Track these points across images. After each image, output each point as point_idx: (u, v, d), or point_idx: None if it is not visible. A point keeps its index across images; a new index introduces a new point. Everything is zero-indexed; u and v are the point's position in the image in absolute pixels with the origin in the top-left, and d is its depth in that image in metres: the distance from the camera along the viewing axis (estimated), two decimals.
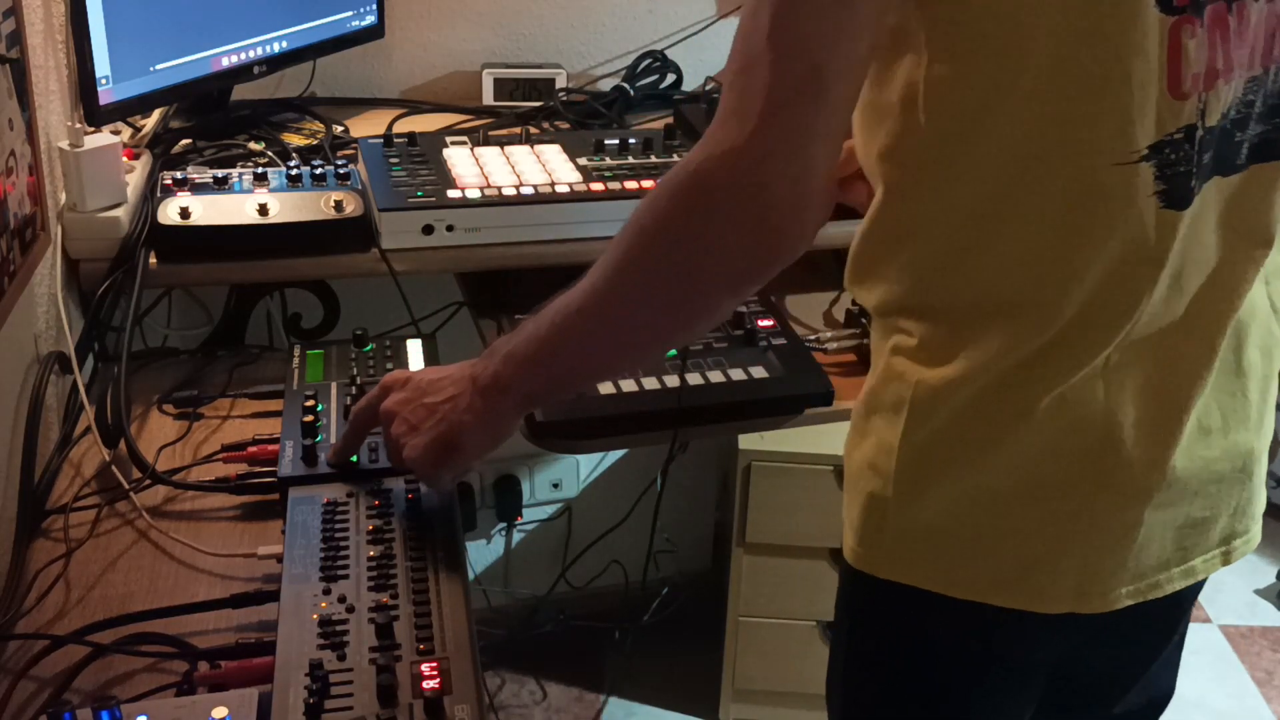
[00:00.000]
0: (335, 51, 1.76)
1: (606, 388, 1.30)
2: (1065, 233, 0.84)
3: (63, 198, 1.38)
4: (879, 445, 0.94)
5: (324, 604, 0.93)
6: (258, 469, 1.17)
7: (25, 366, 1.25)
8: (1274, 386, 0.99)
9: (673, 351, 1.37)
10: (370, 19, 1.78)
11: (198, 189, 1.43)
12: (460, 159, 1.52)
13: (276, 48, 1.66)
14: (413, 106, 1.84)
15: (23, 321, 1.25)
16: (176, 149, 1.59)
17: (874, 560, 0.96)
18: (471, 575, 2.26)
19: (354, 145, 1.62)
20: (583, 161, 1.54)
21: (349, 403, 1.18)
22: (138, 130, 1.59)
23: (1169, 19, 0.80)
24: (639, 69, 1.89)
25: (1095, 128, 0.81)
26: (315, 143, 1.65)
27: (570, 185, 1.48)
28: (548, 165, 1.52)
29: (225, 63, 1.58)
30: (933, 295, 0.90)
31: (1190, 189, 0.84)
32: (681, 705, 2.21)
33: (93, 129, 1.38)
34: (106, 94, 1.40)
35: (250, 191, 1.43)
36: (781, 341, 1.40)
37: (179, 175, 1.45)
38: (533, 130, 1.67)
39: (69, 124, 1.36)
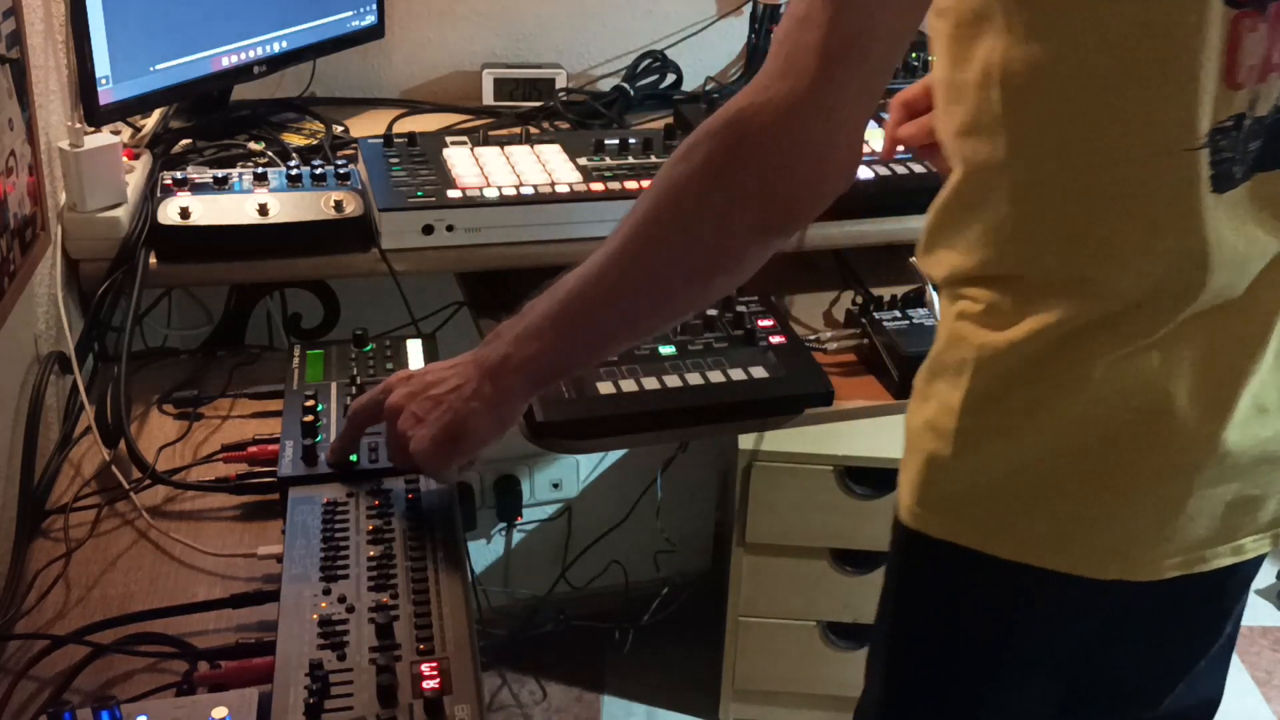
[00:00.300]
0: (335, 51, 1.76)
1: (606, 388, 1.30)
2: (1129, 213, 0.87)
3: (63, 198, 1.38)
4: (940, 406, 0.97)
5: (324, 604, 0.93)
6: (258, 469, 1.17)
7: (25, 366, 1.25)
8: None
9: (672, 349, 1.37)
10: (370, 19, 1.78)
11: (198, 189, 1.43)
12: (460, 159, 1.52)
13: (276, 48, 1.66)
14: (413, 106, 1.84)
15: (23, 321, 1.25)
16: (176, 149, 1.59)
17: (928, 520, 0.99)
18: (471, 575, 2.26)
19: (354, 145, 1.62)
20: (583, 161, 1.54)
21: (349, 403, 1.18)
22: (138, 130, 1.59)
23: (1232, 11, 0.82)
24: (639, 69, 1.89)
25: (1162, 113, 0.84)
26: (315, 143, 1.65)
27: (570, 185, 1.48)
28: (548, 165, 1.52)
29: (225, 63, 1.58)
30: (1000, 267, 0.93)
31: (1234, 175, 0.87)
32: (681, 705, 2.21)
33: (93, 129, 1.38)
34: (106, 94, 1.40)
35: (250, 191, 1.43)
36: (781, 341, 1.40)
37: (179, 175, 1.45)
38: (533, 130, 1.67)
39: (69, 124, 1.36)
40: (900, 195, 1.55)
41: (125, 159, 1.42)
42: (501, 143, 1.59)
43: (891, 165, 1.56)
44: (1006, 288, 0.93)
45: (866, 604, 1.92)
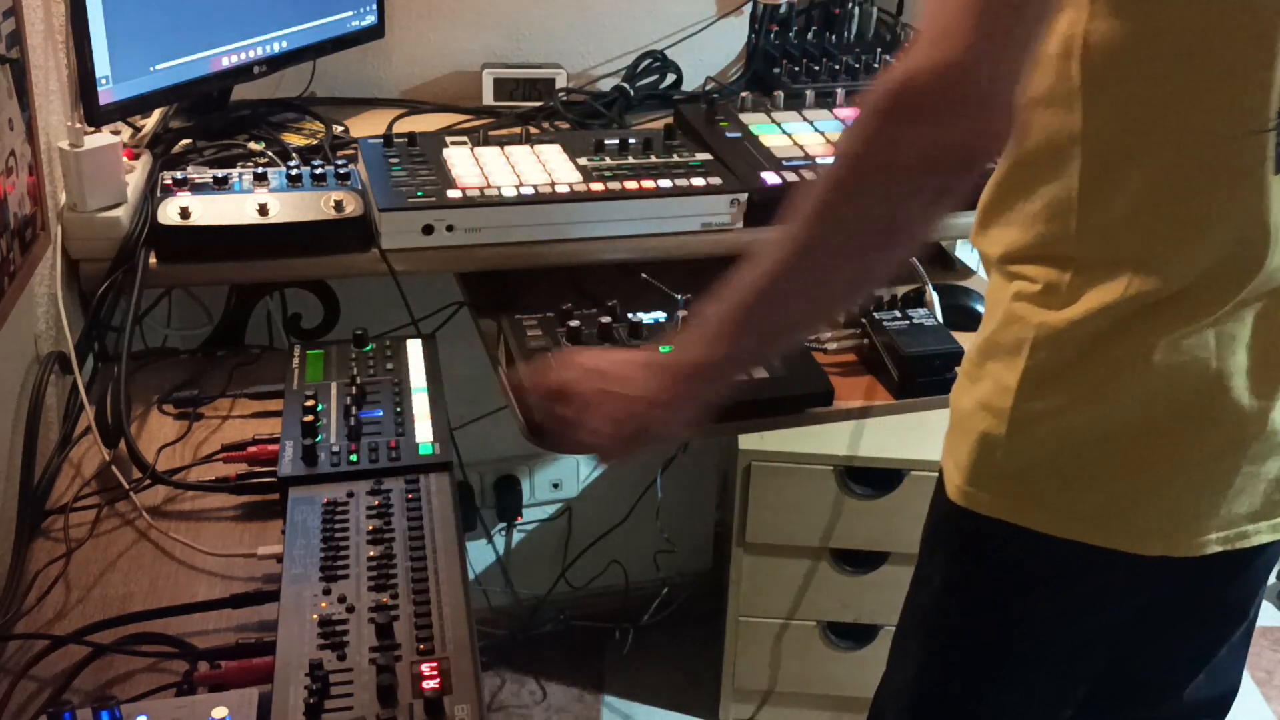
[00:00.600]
0: (335, 51, 1.76)
1: None
2: (1195, 194, 0.89)
3: (63, 198, 1.38)
4: (995, 386, 0.99)
5: (324, 604, 0.93)
6: (258, 469, 1.17)
7: (25, 366, 1.25)
8: None
9: (671, 349, 1.36)
10: (370, 19, 1.78)
11: (198, 189, 1.43)
12: (460, 159, 1.52)
13: (276, 48, 1.66)
14: (413, 106, 1.84)
15: (23, 321, 1.25)
16: (176, 149, 1.59)
17: (979, 498, 1.02)
18: (471, 575, 2.26)
19: (354, 145, 1.62)
20: (583, 161, 1.54)
21: (349, 403, 1.18)
22: (138, 130, 1.59)
23: None
24: (639, 69, 1.89)
25: (1241, 95, 0.86)
26: (315, 143, 1.65)
27: (570, 185, 1.48)
28: (548, 165, 1.52)
29: (225, 63, 1.58)
30: (1063, 245, 0.94)
31: None
32: (681, 705, 2.21)
33: (93, 129, 1.38)
34: (106, 94, 1.40)
35: (250, 191, 1.43)
36: None
37: (179, 175, 1.45)
38: (533, 130, 1.67)
39: (69, 124, 1.36)
40: None
41: (125, 159, 1.42)
42: (501, 143, 1.59)
43: None
44: (1067, 265, 0.94)
45: (866, 604, 1.92)
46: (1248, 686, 2.31)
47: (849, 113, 1.73)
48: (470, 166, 1.50)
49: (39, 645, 0.97)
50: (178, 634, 0.98)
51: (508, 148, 1.57)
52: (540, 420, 1.11)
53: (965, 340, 1.39)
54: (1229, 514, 0.99)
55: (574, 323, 1.38)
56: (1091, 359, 0.94)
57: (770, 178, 1.52)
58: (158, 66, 1.48)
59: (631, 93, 1.85)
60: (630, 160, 1.55)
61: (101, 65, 1.39)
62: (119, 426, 1.21)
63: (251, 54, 1.62)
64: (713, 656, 2.13)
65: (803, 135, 1.65)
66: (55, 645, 0.97)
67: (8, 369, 1.20)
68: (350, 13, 1.75)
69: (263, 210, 1.39)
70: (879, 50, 1.92)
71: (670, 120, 1.75)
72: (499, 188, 1.45)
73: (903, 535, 1.86)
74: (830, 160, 0.93)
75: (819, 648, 2.03)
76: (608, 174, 1.51)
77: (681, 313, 1.41)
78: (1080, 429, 0.96)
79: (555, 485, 2.25)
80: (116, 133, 1.46)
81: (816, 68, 1.88)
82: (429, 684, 0.85)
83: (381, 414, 1.19)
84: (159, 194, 1.41)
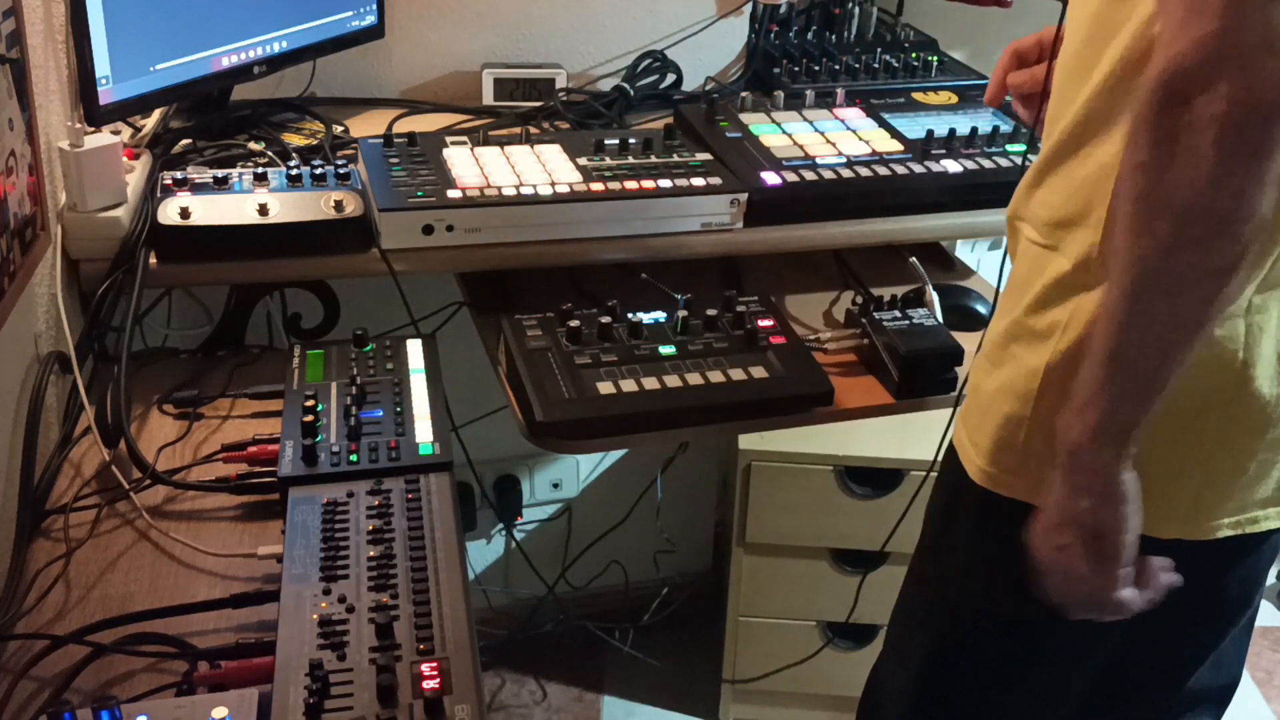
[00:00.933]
0: (335, 51, 1.76)
1: (606, 388, 1.30)
2: None
3: (63, 198, 1.38)
4: (1020, 369, 1.00)
5: (324, 604, 0.93)
6: (258, 469, 1.17)
7: (25, 366, 1.25)
8: None
9: (672, 349, 1.37)
10: (370, 19, 1.78)
11: (198, 189, 1.43)
12: (460, 159, 1.52)
13: (276, 48, 1.66)
14: (413, 106, 1.84)
15: (23, 321, 1.25)
16: (176, 149, 1.59)
17: (1002, 480, 1.03)
18: (471, 575, 2.26)
19: (354, 145, 1.62)
20: (583, 161, 1.54)
21: (349, 403, 1.18)
22: (138, 130, 1.59)
23: None
24: (639, 69, 1.89)
25: None
26: (315, 143, 1.65)
27: (570, 185, 1.48)
28: (548, 165, 1.52)
29: (225, 63, 1.58)
30: (1105, 208, 0.94)
31: None
32: (681, 705, 2.21)
33: (93, 129, 1.38)
34: (106, 94, 1.40)
35: (250, 191, 1.43)
36: (781, 341, 1.40)
37: (179, 175, 1.45)
38: (533, 130, 1.67)
39: (69, 124, 1.36)
40: (901, 195, 1.55)
41: (125, 159, 1.42)
42: (501, 143, 1.59)
43: (892, 165, 1.56)
44: (1103, 243, 0.94)
45: (866, 604, 1.92)
46: (1248, 687, 2.31)
47: (849, 112, 1.73)
48: (470, 166, 1.50)
49: (39, 645, 0.97)
50: (178, 634, 0.98)
51: (508, 148, 1.57)
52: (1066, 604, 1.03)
53: (965, 340, 1.40)
54: (1243, 499, 1.00)
55: (574, 323, 1.39)
56: None
57: (770, 178, 1.52)
58: (158, 66, 1.48)
59: (631, 93, 1.85)
60: (630, 160, 1.55)
61: (101, 65, 1.39)
62: (119, 426, 1.21)
63: (251, 54, 1.62)
64: (713, 657, 2.13)
65: (803, 135, 1.65)
66: (55, 645, 0.97)
67: (8, 369, 1.20)
68: (350, 13, 1.75)
69: (263, 210, 1.39)
70: (879, 50, 1.92)
71: (670, 120, 1.75)
72: (499, 188, 1.45)
73: (903, 535, 1.86)
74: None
75: (819, 648, 2.04)
76: (608, 174, 1.51)
77: (681, 313, 1.41)
78: None
79: (555, 485, 2.25)
80: (116, 133, 1.46)
81: (816, 68, 1.88)
82: (429, 684, 0.85)
83: (381, 414, 1.19)
84: (159, 194, 1.41)
